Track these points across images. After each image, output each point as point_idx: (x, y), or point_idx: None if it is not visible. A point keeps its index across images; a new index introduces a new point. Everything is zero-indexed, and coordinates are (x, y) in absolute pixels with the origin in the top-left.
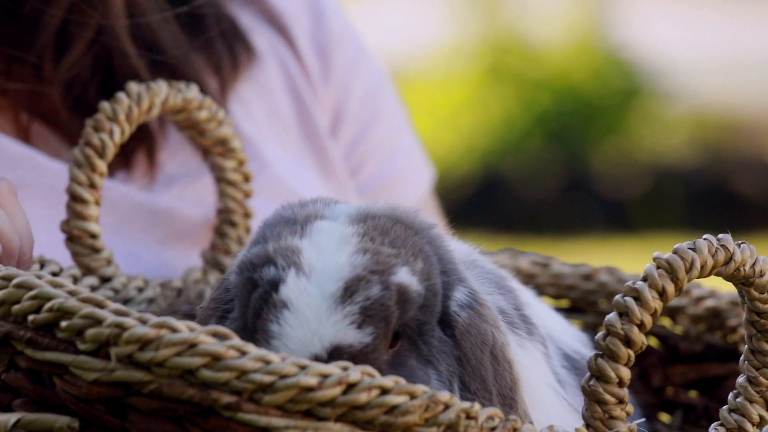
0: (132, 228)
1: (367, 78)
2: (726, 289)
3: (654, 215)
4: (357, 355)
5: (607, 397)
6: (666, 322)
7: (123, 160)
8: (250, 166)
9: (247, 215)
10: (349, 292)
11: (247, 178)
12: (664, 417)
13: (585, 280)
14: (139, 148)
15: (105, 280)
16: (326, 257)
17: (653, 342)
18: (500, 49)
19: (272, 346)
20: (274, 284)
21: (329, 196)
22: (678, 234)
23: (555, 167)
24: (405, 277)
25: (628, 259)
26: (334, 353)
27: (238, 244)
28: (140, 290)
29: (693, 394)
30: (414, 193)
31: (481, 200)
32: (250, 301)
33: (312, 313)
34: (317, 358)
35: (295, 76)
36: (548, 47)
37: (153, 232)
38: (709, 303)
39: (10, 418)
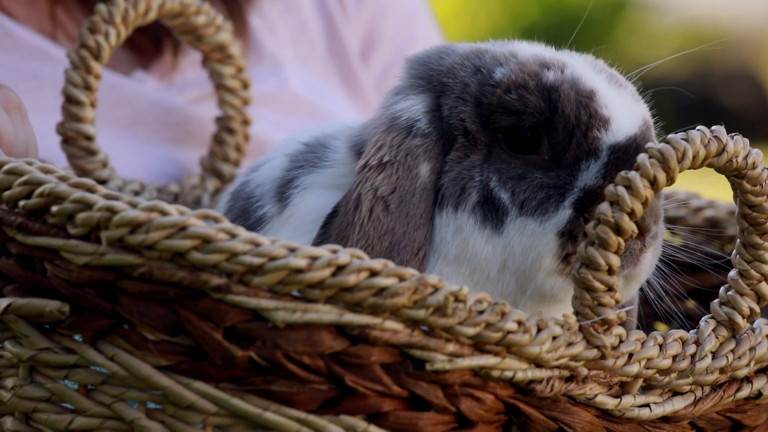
0: (145, 126)
1: (406, 1)
2: (725, 198)
3: None
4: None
5: (597, 284)
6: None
7: (144, 58)
8: (271, 82)
9: (245, 122)
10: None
11: (245, 86)
12: (662, 327)
13: None
14: (166, 46)
15: (101, 182)
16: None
17: None
18: None
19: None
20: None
21: (355, 115)
22: None
23: None
24: None
25: None
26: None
27: (236, 151)
28: (136, 193)
29: (691, 303)
30: None
31: None
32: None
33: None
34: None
35: None
36: None
37: (165, 130)
38: (708, 213)
39: (1, 303)
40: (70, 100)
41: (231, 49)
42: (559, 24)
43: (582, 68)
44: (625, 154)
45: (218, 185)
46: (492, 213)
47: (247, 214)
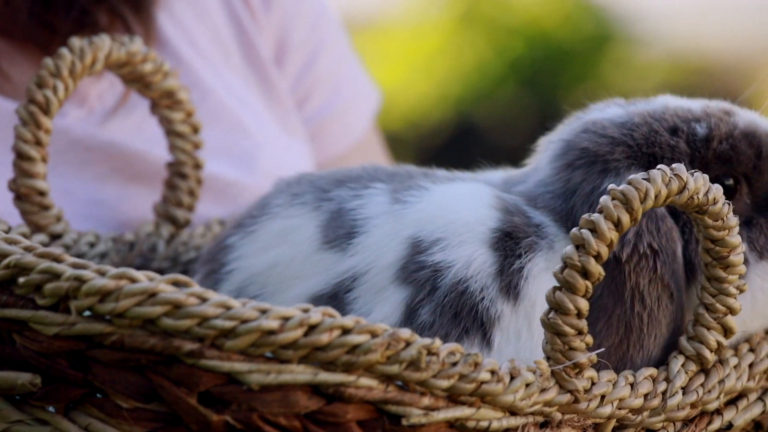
0: (69, 165)
1: (312, 5)
2: None
3: None
4: None
5: (566, 328)
6: None
7: None
8: (192, 96)
9: (197, 166)
10: None
11: (196, 130)
12: None
13: None
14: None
15: (55, 236)
16: None
17: None
18: None
19: None
20: None
21: (274, 124)
22: None
23: (528, 114)
24: None
25: None
26: None
27: (189, 196)
28: (92, 245)
29: None
30: (360, 122)
31: (455, 147)
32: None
33: None
34: None
35: (234, 3)
36: None
37: (89, 168)
38: None
39: None
40: (21, 157)
41: (179, 95)
42: (543, 58)
43: (748, 113)
44: None
45: (173, 231)
46: None
47: (473, 313)
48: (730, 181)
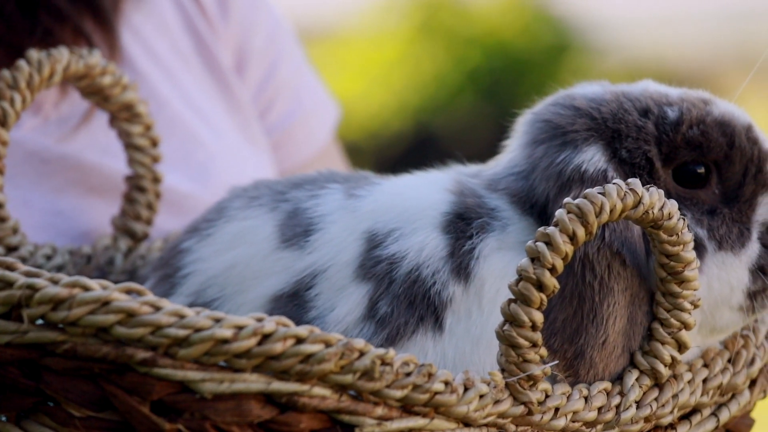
0: (25, 177)
1: (268, 17)
2: None
3: None
4: None
5: (521, 341)
6: None
7: None
8: (148, 107)
9: (156, 180)
10: None
11: (154, 143)
12: None
13: None
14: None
15: (12, 249)
16: None
17: None
18: (431, 5)
19: None
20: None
21: (235, 133)
22: None
23: (486, 123)
24: None
25: None
26: None
27: (147, 209)
28: (48, 258)
29: None
30: (322, 131)
31: (413, 157)
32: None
33: None
34: None
35: (191, 13)
36: (478, 3)
37: (46, 180)
38: None
39: None
40: None
41: (138, 108)
42: (502, 68)
43: (726, 104)
44: None
45: (131, 245)
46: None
47: (425, 300)
48: (702, 170)
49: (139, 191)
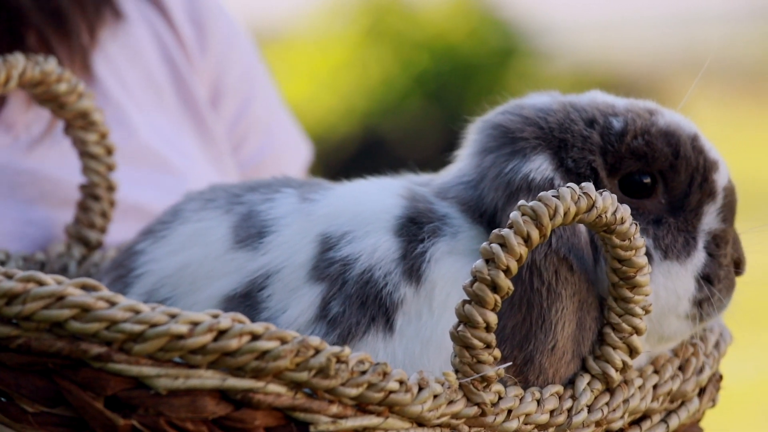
0: None
1: (244, 53)
2: None
3: None
4: None
5: (475, 342)
6: None
7: None
8: (118, 133)
9: (110, 188)
10: None
11: (109, 151)
12: None
13: None
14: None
15: None
16: None
17: None
18: (378, 9)
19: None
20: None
21: (207, 165)
22: None
23: (434, 127)
24: None
25: None
26: None
27: (102, 217)
28: (2, 263)
29: None
30: (293, 169)
31: (361, 161)
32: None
33: None
34: None
35: (168, 45)
36: (426, 7)
37: (17, 192)
38: None
39: None
40: None
41: (94, 116)
42: (449, 71)
43: (673, 114)
44: (732, 195)
45: (85, 252)
46: None
47: (377, 300)
48: (648, 180)
49: (94, 199)
